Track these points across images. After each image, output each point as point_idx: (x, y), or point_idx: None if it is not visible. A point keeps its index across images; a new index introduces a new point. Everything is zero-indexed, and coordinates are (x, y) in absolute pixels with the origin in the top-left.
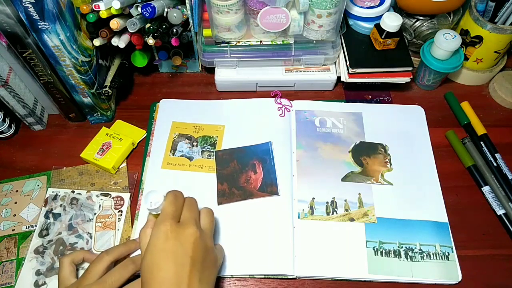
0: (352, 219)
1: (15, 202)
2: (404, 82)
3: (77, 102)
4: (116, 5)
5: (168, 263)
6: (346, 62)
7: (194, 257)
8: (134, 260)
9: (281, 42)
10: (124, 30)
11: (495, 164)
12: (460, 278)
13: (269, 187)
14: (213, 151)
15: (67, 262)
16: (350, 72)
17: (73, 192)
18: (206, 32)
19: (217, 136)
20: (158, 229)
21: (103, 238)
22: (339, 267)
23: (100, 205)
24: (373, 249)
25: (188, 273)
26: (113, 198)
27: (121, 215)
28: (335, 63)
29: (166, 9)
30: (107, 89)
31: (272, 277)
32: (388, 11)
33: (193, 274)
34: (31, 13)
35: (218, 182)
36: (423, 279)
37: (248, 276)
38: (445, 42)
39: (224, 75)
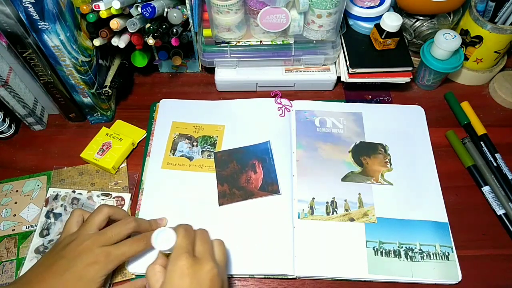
0: (352, 219)
1: (15, 202)
2: (404, 82)
3: (77, 102)
4: (116, 5)
5: None
6: (346, 62)
7: None
8: (136, 218)
9: (281, 42)
10: (124, 30)
11: (495, 164)
12: (460, 278)
13: (270, 186)
14: (213, 151)
15: (77, 213)
16: (350, 72)
17: (74, 192)
18: (206, 32)
19: (217, 136)
20: (175, 265)
21: None
22: (339, 267)
23: None
24: (373, 249)
25: None
26: (113, 198)
27: None
28: (335, 63)
29: (166, 9)
30: (107, 89)
31: (272, 277)
32: (388, 11)
33: None
34: (31, 13)
35: (218, 183)
36: (423, 279)
37: (248, 276)
38: (445, 42)
39: (224, 75)
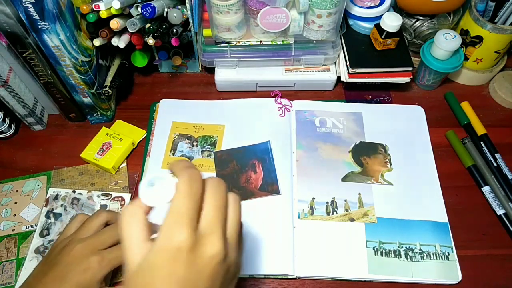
0: (352, 219)
1: (15, 202)
2: (404, 82)
3: (77, 102)
4: (116, 5)
5: None
6: (346, 62)
7: (211, 286)
8: None
9: (281, 42)
10: (124, 30)
11: (495, 164)
12: (460, 278)
13: (270, 186)
14: (213, 151)
15: (80, 218)
16: (350, 72)
17: (74, 192)
18: (206, 32)
19: (217, 136)
20: (168, 242)
21: None
22: (339, 267)
23: (101, 206)
24: (373, 249)
25: None
26: (113, 198)
27: None
28: (335, 63)
29: (166, 9)
30: (107, 89)
31: (272, 277)
32: (388, 11)
33: None
34: (31, 13)
35: None
36: (423, 279)
37: (248, 276)
38: (445, 42)
39: (224, 75)
